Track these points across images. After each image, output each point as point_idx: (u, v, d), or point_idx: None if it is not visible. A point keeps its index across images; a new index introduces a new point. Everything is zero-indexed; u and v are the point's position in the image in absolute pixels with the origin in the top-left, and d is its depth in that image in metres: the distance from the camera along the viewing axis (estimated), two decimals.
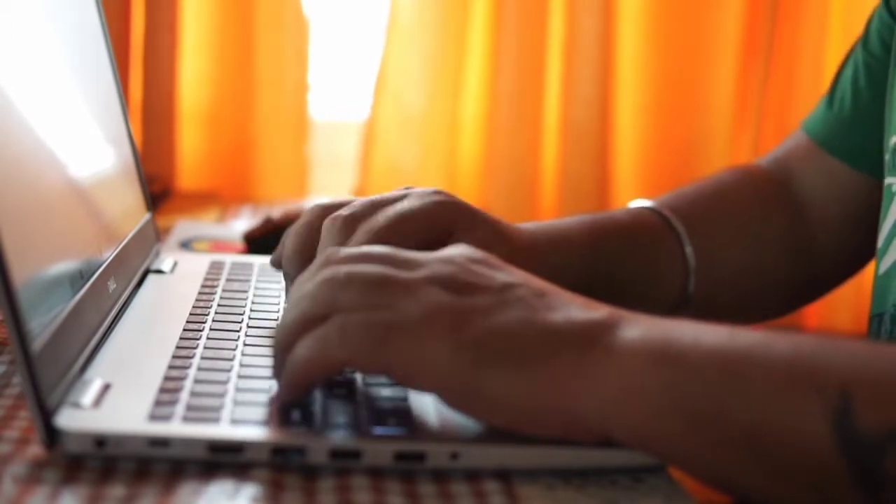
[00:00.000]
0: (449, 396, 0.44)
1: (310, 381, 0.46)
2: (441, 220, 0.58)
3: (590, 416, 0.43)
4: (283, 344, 0.46)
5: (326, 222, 0.57)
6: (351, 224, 0.56)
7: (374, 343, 0.44)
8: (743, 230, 0.73)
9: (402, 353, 0.43)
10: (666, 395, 0.42)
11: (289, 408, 0.46)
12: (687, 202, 0.72)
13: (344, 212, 0.57)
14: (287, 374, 0.45)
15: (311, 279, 0.47)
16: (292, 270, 0.58)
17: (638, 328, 0.44)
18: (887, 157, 0.65)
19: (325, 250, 0.52)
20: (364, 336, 0.44)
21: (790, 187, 0.75)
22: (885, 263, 0.63)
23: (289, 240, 0.59)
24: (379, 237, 0.54)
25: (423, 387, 0.44)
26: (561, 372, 0.43)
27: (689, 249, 0.69)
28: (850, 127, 0.73)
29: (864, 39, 0.73)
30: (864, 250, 0.72)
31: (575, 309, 0.46)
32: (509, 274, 0.47)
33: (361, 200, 0.58)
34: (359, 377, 0.50)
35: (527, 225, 0.63)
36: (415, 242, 0.52)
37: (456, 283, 0.46)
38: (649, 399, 0.43)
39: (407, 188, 0.60)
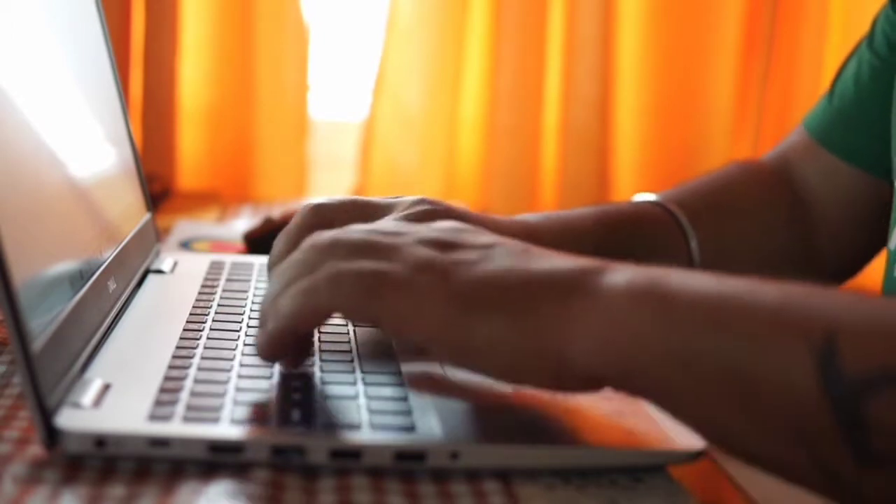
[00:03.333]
0: (441, 346, 0.44)
1: (293, 335, 0.45)
2: None
3: (576, 357, 0.43)
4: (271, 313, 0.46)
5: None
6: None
7: (365, 291, 0.44)
8: (749, 223, 0.73)
9: (393, 303, 0.44)
10: (651, 332, 0.42)
11: (287, 376, 0.46)
12: (692, 196, 0.72)
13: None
14: (271, 327, 0.45)
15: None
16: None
17: (625, 274, 0.44)
18: None
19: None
20: (356, 284, 0.44)
21: (792, 183, 0.75)
22: None
23: (276, 242, 0.57)
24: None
25: (414, 337, 0.44)
26: (548, 316, 0.43)
27: (693, 243, 0.69)
28: (849, 123, 0.73)
29: (870, 39, 0.73)
30: (867, 247, 0.72)
31: (560, 259, 0.46)
32: (492, 237, 0.48)
33: (348, 202, 0.58)
34: (360, 377, 0.50)
35: (534, 216, 0.63)
36: None
37: (441, 243, 0.46)
38: (634, 336, 0.42)
39: (396, 198, 0.59)
